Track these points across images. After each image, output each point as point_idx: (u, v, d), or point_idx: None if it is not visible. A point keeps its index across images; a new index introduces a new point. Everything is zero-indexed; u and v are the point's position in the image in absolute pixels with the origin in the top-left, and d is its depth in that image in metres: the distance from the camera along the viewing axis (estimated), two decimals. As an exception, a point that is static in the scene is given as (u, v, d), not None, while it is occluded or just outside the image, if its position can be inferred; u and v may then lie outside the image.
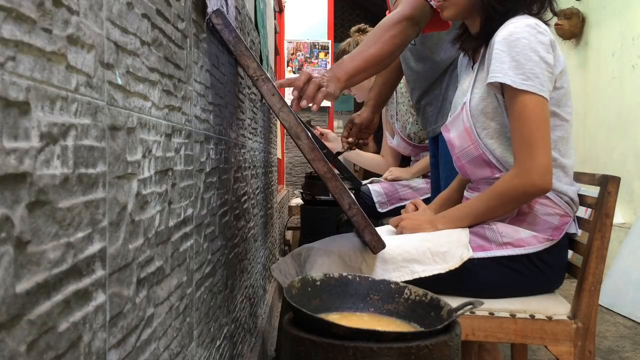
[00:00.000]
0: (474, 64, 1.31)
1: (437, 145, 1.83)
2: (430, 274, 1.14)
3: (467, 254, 1.15)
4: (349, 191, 0.88)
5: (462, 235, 1.18)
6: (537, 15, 1.21)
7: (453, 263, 1.14)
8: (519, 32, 1.13)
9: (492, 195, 1.17)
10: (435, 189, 1.82)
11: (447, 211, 1.27)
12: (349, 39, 2.42)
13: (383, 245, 0.98)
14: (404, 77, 2.01)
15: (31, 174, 0.36)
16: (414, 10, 1.43)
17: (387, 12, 1.98)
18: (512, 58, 1.12)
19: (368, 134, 1.94)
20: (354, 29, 2.47)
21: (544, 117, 1.13)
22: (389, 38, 1.42)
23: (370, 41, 1.44)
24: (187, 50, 0.78)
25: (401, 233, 1.29)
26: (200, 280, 0.87)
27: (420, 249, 1.16)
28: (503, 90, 1.16)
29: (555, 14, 1.27)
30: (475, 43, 1.27)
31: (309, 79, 1.31)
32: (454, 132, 1.29)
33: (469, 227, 1.22)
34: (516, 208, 1.19)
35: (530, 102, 1.11)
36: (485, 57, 1.22)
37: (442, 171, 1.75)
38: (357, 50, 1.46)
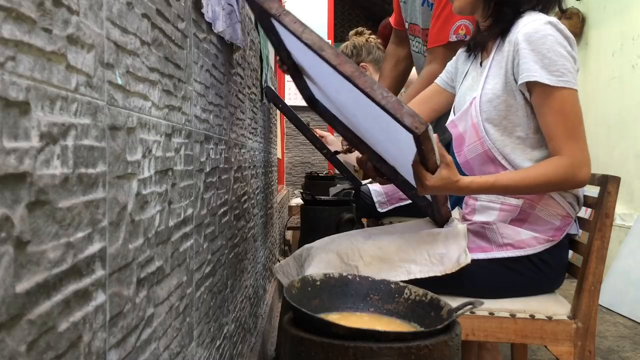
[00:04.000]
0: (482, 60, 1.30)
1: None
2: (426, 275, 1.14)
3: (465, 259, 1.14)
4: (378, 83, 0.88)
5: (460, 236, 1.18)
6: (547, 12, 1.21)
7: (450, 266, 1.14)
8: (542, 29, 1.13)
9: (541, 178, 1.13)
10: None
11: (484, 178, 1.15)
12: (347, 42, 2.42)
13: (426, 125, 0.86)
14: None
15: (31, 174, 0.36)
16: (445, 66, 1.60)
17: (391, 18, 1.98)
18: (544, 55, 1.11)
19: None
20: (352, 32, 2.48)
21: (581, 111, 1.14)
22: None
23: (412, 94, 1.67)
24: (187, 50, 0.78)
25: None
26: (200, 280, 0.87)
27: (418, 249, 1.16)
28: (529, 88, 1.15)
29: (562, 10, 1.27)
30: (488, 36, 1.26)
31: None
32: (462, 127, 1.28)
33: (470, 221, 1.22)
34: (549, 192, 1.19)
35: (570, 97, 1.12)
36: (501, 54, 1.21)
37: None
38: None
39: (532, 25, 1.14)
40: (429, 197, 1.22)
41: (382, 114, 0.88)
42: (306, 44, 0.88)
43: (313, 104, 1.45)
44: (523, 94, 1.17)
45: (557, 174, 1.13)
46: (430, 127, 0.88)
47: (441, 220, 1.27)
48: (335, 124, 1.40)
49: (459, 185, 1.09)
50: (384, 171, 1.32)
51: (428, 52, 1.67)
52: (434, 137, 0.94)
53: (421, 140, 0.89)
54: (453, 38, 1.56)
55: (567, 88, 1.11)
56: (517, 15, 1.18)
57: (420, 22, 1.76)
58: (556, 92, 1.12)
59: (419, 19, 1.76)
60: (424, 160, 1.03)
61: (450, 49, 1.59)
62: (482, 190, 1.16)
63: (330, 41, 5.52)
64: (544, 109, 1.14)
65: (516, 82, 1.16)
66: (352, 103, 1.06)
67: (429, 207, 1.29)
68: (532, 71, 1.12)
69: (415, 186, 1.09)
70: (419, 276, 1.14)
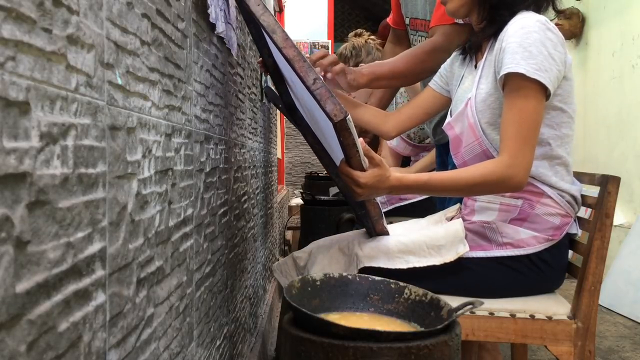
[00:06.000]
0: (476, 62, 1.30)
1: (444, 152, 1.84)
2: (425, 264, 1.16)
3: (464, 249, 1.16)
4: (314, 70, 0.89)
5: (458, 229, 1.19)
6: (541, 12, 1.21)
7: (449, 257, 1.15)
8: (530, 25, 1.12)
9: (477, 178, 1.12)
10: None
11: (417, 175, 1.16)
12: (346, 43, 2.43)
13: (345, 113, 0.86)
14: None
15: (31, 174, 0.36)
16: (449, 42, 1.53)
17: (389, 18, 1.98)
18: (525, 49, 1.11)
19: (367, 137, 1.95)
20: (351, 34, 2.49)
21: (541, 118, 1.13)
22: (421, 62, 1.55)
23: (404, 58, 1.56)
24: (187, 50, 0.78)
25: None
26: (200, 280, 0.87)
27: (417, 242, 1.19)
28: (505, 82, 1.14)
29: (557, 11, 1.27)
30: (482, 36, 1.26)
31: (334, 62, 1.43)
32: (458, 129, 1.28)
33: (469, 221, 1.23)
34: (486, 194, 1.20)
35: (535, 97, 1.10)
36: (492, 53, 1.21)
37: None
38: (389, 60, 1.57)
39: (520, 23, 1.14)
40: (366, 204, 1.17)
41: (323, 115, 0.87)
42: (262, 26, 0.89)
43: (291, 111, 1.43)
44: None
45: (494, 174, 1.11)
46: (350, 118, 0.87)
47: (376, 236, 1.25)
48: (307, 134, 1.37)
49: (391, 181, 1.07)
50: (339, 187, 1.31)
51: (430, 32, 1.60)
52: (356, 134, 0.92)
53: (339, 130, 0.88)
54: (459, 20, 1.52)
55: (540, 82, 1.09)
56: (512, 16, 1.19)
57: (421, 15, 1.76)
58: (527, 84, 1.10)
59: (419, 12, 1.76)
60: (347, 158, 1.00)
61: (454, 30, 1.53)
62: (414, 186, 1.14)
63: (330, 41, 5.53)
64: (509, 100, 1.13)
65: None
66: (312, 104, 1.02)
67: (366, 217, 1.24)
68: (511, 63, 1.11)
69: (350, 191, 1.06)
70: (417, 265, 1.16)
